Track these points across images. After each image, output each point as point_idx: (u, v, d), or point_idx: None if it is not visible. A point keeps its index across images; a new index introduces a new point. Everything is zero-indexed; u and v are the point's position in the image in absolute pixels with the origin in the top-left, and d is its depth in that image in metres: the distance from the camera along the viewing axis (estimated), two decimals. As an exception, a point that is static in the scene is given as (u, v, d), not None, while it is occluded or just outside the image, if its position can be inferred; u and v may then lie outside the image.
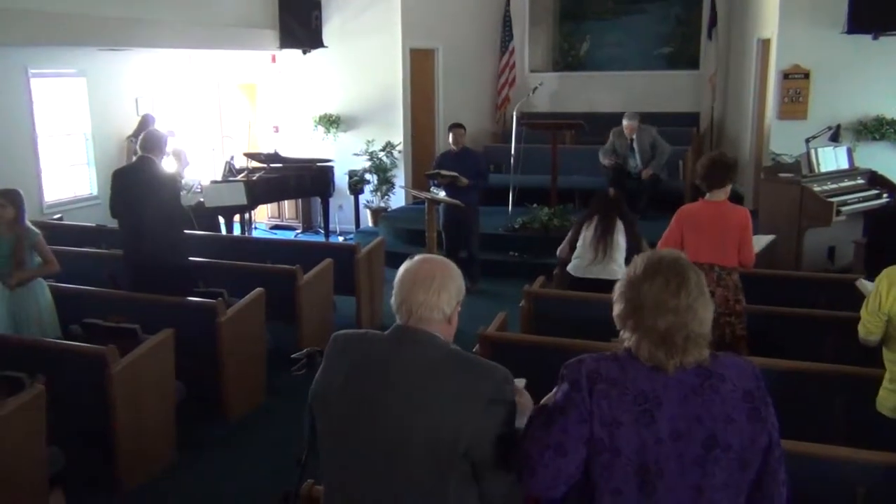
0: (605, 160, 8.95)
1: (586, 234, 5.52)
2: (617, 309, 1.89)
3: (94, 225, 7.58)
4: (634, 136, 8.85)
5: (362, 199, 10.30)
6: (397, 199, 10.47)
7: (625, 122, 8.84)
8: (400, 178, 10.32)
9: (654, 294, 1.81)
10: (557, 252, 5.87)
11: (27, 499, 3.67)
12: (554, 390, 1.93)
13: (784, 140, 8.26)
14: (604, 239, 5.43)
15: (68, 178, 8.85)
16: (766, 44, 8.91)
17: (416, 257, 2.12)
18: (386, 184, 10.28)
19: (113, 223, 5.86)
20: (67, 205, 8.68)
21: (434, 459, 1.92)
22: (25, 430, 3.61)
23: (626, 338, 1.87)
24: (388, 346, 2.04)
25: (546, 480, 1.85)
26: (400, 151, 10.24)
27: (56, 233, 6.53)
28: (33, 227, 5.02)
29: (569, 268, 5.62)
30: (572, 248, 5.65)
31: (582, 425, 1.80)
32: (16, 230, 4.86)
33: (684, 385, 1.80)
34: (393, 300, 2.08)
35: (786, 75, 8.39)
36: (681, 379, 1.80)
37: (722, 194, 4.45)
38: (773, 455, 1.84)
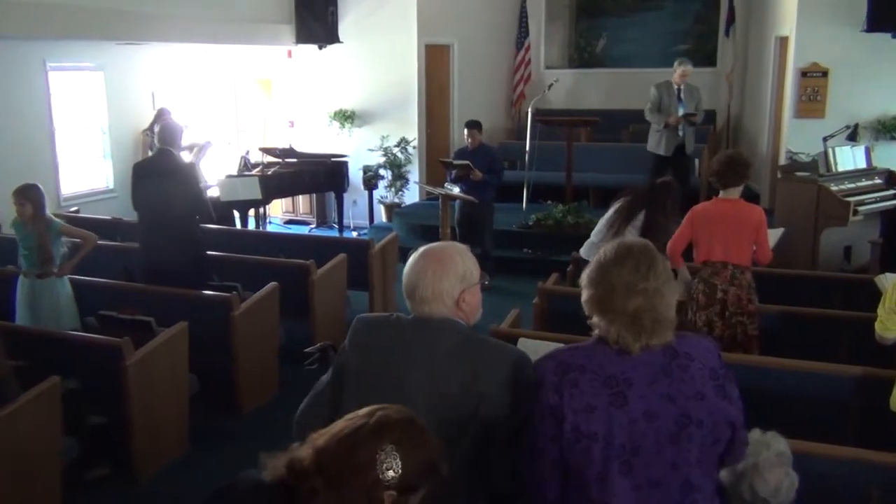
0: (652, 118, 8.25)
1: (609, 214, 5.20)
2: (587, 294, 1.95)
3: (110, 218, 7.65)
4: (683, 86, 8.17)
5: (376, 194, 10.31)
6: (411, 195, 10.47)
7: (677, 69, 8.16)
8: (414, 173, 10.33)
9: (625, 277, 1.86)
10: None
11: (42, 489, 3.70)
12: None
13: (801, 138, 8.19)
14: (624, 223, 5.08)
15: (85, 171, 8.91)
16: (784, 41, 8.84)
17: (421, 248, 2.15)
18: (400, 179, 10.29)
19: (130, 216, 5.92)
20: (84, 198, 8.74)
21: (449, 436, 1.92)
22: (41, 421, 3.65)
23: (595, 322, 1.92)
24: (410, 328, 2.08)
25: (534, 482, 1.92)
26: (414, 147, 10.25)
27: (73, 225, 6.57)
28: (54, 217, 5.08)
29: (582, 250, 5.38)
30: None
31: (547, 422, 1.85)
32: (38, 224, 4.92)
33: (653, 365, 1.86)
34: (403, 290, 2.13)
35: (804, 73, 8.32)
36: (648, 359, 1.86)
37: (736, 193, 4.43)
38: (740, 435, 1.93)
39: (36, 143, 8.15)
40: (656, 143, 8.27)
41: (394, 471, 1.48)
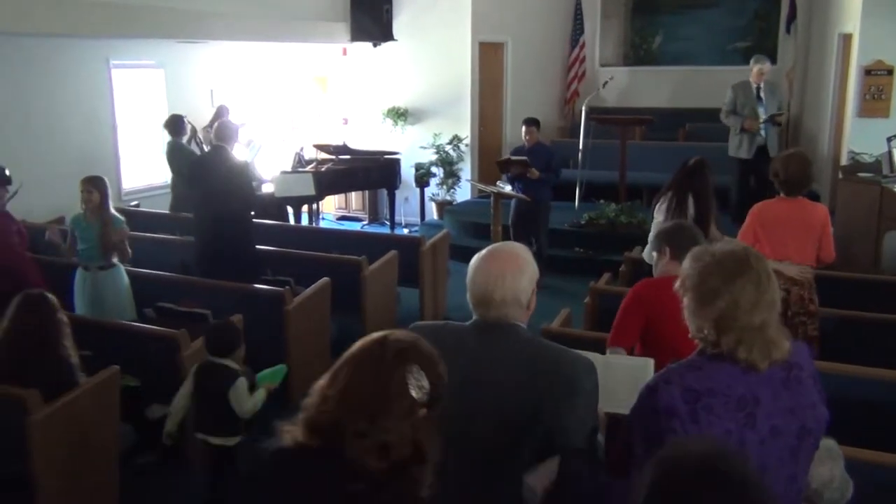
0: (728, 122, 8.00)
1: (659, 211, 4.93)
2: (700, 309, 1.80)
3: (168, 212, 7.83)
4: (762, 85, 7.88)
5: (428, 191, 10.35)
6: (463, 193, 10.48)
7: (753, 67, 7.88)
8: (466, 171, 10.33)
9: (749, 291, 1.75)
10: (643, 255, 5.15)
11: (100, 471, 3.82)
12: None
13: (864, 138, 7.96)
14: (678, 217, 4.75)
15: (145, 166, 9.13)
16: (847, 38, 8.60)
17: (488, 249, 2.11)
18: (452, 177, 10.31)
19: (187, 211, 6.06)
20: (144, 192, 8.97)
21: (512, 441, 1.94)
22: (100, 407, 3.76)
23: (706, 337, 1.79)
24: (469, 336, 2.04)
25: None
26: (467, 145, 10.26)
27: (133, 219, 6.76)
28: (118, 215, 5.22)
29: (644, 255, 5.03)
30: None
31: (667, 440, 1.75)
32: (102, 215, 5.06)
33: (774, 380, 1.77)
34: (470, 294, 2.06)
35: (868, 71, 8.08)
36: (772, 374, 1.77)
37: (799, 192, 4.34)
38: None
39: (99, 138, 8.40)
40: (736, 147, 8.03)
41: (424, 390, 1.54)
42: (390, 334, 1.62)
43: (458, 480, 2.00)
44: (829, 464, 2.29)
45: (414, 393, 1.53)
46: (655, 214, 4.95)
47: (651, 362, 2.66)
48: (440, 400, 1.59)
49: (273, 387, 3.75)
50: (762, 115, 7.87)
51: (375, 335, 1.62)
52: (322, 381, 1.61)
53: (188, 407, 3.71)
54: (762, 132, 7.87)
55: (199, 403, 3.70)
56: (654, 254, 3.27)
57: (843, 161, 8.12)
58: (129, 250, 5.20)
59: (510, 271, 2.01)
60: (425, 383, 1.55)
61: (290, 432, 1.57)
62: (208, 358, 3.74)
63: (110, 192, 5.21)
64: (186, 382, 3.74)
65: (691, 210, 4.70)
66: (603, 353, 2.93)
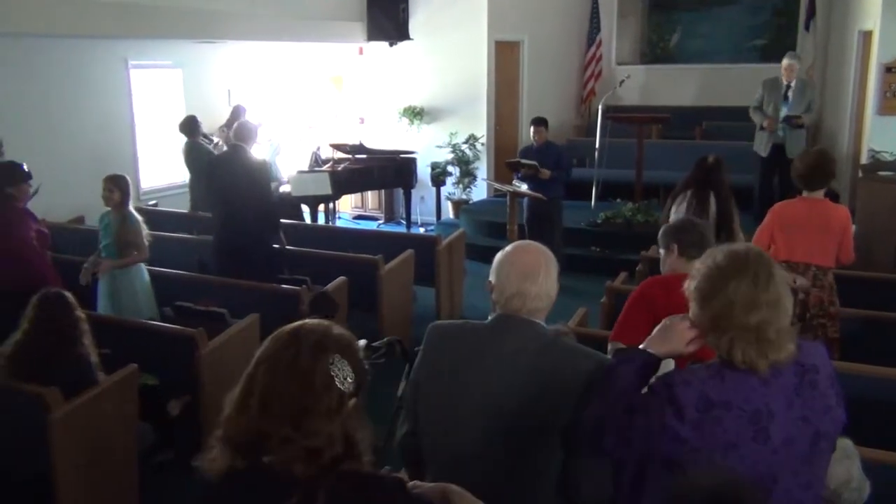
0: (754, 117, 7.96)
1: (679, 210, 4.81)
2: (700, 312, 1.80)
3: (186, 212, 7.88)
4: (793, 83, 7.76)
5: (444, 190, 10.35)
6: (479, 192, 10.47)
7: (784, 62, 7.75)
8: (482, 170, 10.32)
9: (744, 290, 1.73)
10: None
11: (120, 469, 3.85)
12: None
13: (884, 137, 7.86)
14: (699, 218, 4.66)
15: (163, 166, 9.19)
16: (867, 36, 8.51)
17: (513, 247, 2.11)
18: (468, 176, 10.31)
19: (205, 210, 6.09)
20: (162, 192, 9.02)
21: (532, 442, 1.95)
22: (120, 406, 3.78)
23: (711, 341, 1.79)
24: (489, 336, 2.05)
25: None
26: (483, 144, 10.25)
27: (151, 219, 6.79)
28: (136, 214, 5.25)
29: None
30: None
31: (663, 442, 1.74)
32: (122, 213, 5.10)
33: (787, 388, 1.74)
34: (497, 293, 2.06)
35: (888, 69, 7.98)
36: (784, 383, 1.74)
37: (820, 192, 4.29)
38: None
39: (118, 138, 8.46)
40: (758, 143, 8.06)
41: (350, 377, 1.44)
42: (302, 326, 1.49)
43: (478, 477, 2.00)
44: (845, 463, 2.27)
45: (339, 385, 1.42)
46: (672, 213, 4.91)
47: (671, 363, 2.63)
48: (366, 383, 1.49)
49: None
50: (782, 114, 7.81)
51: (286, 328, 1.48)
52: (236, 390, 1.48)
53: None
54: (780, 132, 7.81)
55: None
56: (662, 251, 3.22)
57: (863, 160, 8.03)
58: (147, 250, 5.22)
59: (543, 266, 2.04)
60: (349, 371, 1.44)
61: (213, 460, 1.44)
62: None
63: (131, 191, 5.26)
64: None
65: (713, 209, 4.61)
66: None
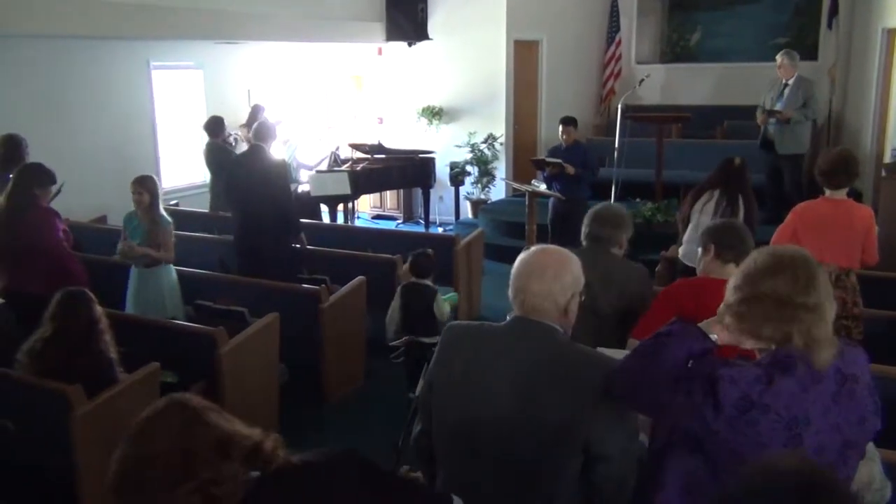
0: (760, 119, 8.04)
1: (705, 210, 4.77)
2: (733, 308, 1.75)
3: (207, 211, 7.93)
4: (790, 83, 7.81)
5: (463, 190, 10.35)
6: (497, 192, 10.46)
7: (778, 60, 7.86)
8: (501, 170, 10.31)
9: (780, 289, 1.69)
10: (679, 254, 5.03)
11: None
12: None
13: (909, 136, 7.80)
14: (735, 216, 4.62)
15: (185, 166, 9.26)
16: (891, 33, 8.42)
17: (534, 247, 2.11)
18: (487, 176, 10.30)
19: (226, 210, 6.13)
20: (184, 191, 9.10)
21: (544, 446, 1.93)
22: (140, 403, 3.79)
23: (768, 337, 1.74)
24: (504, 339, 2.04)
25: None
26: (501, 144, 10.23)
27: (172, 218, 6.84)
28: (167, 216, 5.28)
29: (680, 254, 4.95)
30: (684, 226, 4.97)
31: (694, 424, 1.72)
32: (152, 215, 5.14)
33: (825, 395, 1.71)
34: (510, 290, 2.08)
35: (913, 66, 7.90)
36: (824, 390, 1.71)
37: (843, 192, 4.25)
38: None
39: (139, 138, 8.54)
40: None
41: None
42: (171, 397, 1.50)
43: (493, 486, 2.00)
44: (867, 465, 2.25)
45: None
46: (697, 214, 4.88)
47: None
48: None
49: (454, 305, 5.20)
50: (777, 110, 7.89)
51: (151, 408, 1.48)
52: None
53: (399, 318, 4.68)
54: (769, 127, 7.91)
55: (406, 313, 4.69)
56: (700, 250, 3.17)
57: (887, 158, 7.95)
58: (173, 251, 5.25)
59: (552, 267, 2.02)
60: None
61: None
62: (412, 279, 4.84)
63: (160, 192, 5.29)
64: (396, 298, 4.78)
65: (742, 212, 4.61)
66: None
